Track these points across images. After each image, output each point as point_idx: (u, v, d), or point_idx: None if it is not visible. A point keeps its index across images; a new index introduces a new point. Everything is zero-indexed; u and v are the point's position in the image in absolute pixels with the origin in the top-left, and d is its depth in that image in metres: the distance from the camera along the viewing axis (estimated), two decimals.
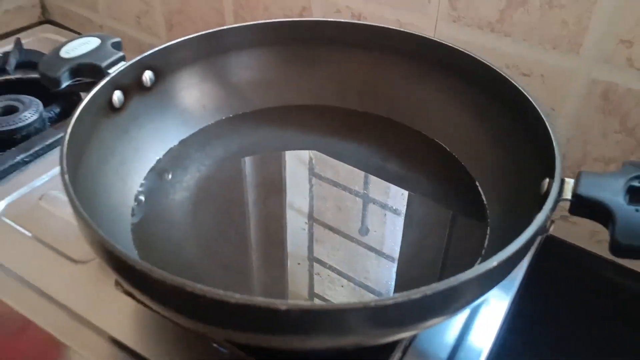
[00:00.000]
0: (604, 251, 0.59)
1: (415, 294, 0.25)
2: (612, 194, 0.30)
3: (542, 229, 0.30)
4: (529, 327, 0.52)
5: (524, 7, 0.52)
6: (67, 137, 0.33)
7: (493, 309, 0.38)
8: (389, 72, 0.49)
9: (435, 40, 0.47)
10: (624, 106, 0.51)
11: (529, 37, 0.53)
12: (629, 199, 0.30)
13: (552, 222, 0.31)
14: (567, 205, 0.32)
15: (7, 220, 0.44)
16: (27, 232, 0.43)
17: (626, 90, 0.51)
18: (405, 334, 0.30)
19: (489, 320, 0.38)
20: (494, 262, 0.26)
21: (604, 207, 0.29)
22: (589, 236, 0.59)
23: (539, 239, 0.45)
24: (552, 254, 0.60)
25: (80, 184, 0.34)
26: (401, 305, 0.25)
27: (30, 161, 0.49)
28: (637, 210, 0.29)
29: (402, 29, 0.49)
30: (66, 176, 0.30)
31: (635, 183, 0.31)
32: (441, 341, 0.36)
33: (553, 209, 0.30)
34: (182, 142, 0.47)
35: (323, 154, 0.47)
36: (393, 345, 0.35)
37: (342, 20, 0.51)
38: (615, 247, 0.28)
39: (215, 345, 0.35)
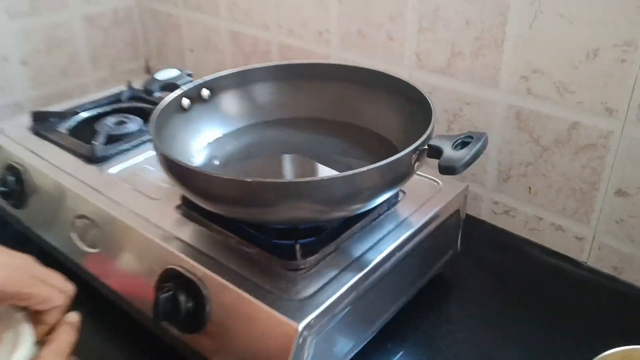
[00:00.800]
0: (535, 237, 0.75)
1: (316, 178, 0.48)
2: (448, 144, 0.51)
3: (403, 164, 0.51)
4: (466, 290, 0.69)
5: (462, 56, 0.73)
6: (155, 115, 0.58)
7: (394, 238, 0.57)
8: (358, 95, 0.69)
9: (383, 73, 0.67)
10: (530, 123, 0.69)
11: (467, 77, 0.73)
12: (460, 148, 0.51)
13: (418, 163, 0.52)
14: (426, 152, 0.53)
15: (118, 179, 0.67)
16: (129, 186, 0.66)
17: (530, 112, 0.69)
18: (329, 214, 0.51)
19: (392, 240, 0.57)
20: (362, 169, 0.48)
21: (439, 150, 0.51)
22: (523, 225, 0.77)
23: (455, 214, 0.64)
24: (495, 240, 0.78)
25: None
26: (308, 184, 0.47)
27: (131, 149, 0.73)
28: (455, 151, 0.50)
29: (365, 67, 0.69)
30: (154, 130, 0.56)
31: (464, 140, 0.51)
32: (361, 245, 0.55)
33: (414, 151, 0.51)
34: (225, 135, 0.69)
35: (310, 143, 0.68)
36: (332, 238, 0.55)
37: (329, 62, 0.74)
38: (439, 168, 0.49)
39: (241, 246, 0.55)
